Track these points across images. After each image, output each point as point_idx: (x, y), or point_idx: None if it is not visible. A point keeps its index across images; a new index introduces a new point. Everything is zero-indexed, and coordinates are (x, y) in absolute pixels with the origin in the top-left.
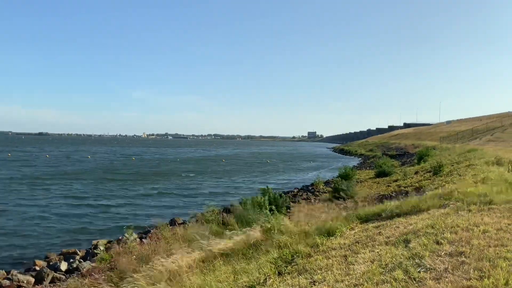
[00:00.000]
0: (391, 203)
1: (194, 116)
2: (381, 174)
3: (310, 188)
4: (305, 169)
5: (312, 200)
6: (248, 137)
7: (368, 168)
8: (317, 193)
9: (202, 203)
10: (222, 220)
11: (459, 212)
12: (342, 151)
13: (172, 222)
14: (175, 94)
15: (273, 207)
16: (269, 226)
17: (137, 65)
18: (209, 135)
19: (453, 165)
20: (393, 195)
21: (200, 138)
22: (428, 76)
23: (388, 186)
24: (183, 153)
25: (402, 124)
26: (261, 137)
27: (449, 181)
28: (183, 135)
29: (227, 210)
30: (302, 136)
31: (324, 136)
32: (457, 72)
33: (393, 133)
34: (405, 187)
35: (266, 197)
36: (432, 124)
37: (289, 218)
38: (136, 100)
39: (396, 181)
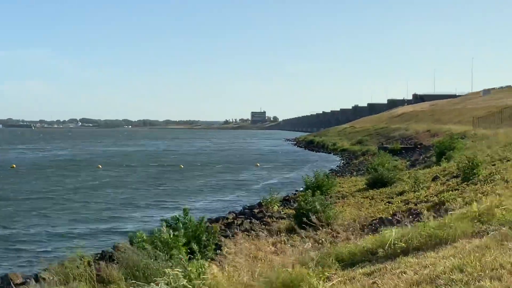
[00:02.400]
0: (392, 231)
1: (42, 88)
2: (377, 183)
3: (256, 211)
4: (246, 180)
5: (260, 232)
6: (147, 123)
7: (355, 173)
8: (269, 219)
9: (65, 244)
10: (98, 275)
11: (505, 243)
12: (312, 145)
13: (4, 282)
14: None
15: (194, 246)
16: (183, 283)
17: None
18: (72, 120)
19: (494, 164)
20: (396, 218)
21: (56, 127)
22: (453, 17)
23: (389, 203)
24: None
25: (410, 97)
26: (167, 122)
27: (488, 192)
28: (22, 121)
29: (107, 256)
30: (242, 120)
31: (280, 120)
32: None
33: (395, 112)
34: (416, 204)
35: (182, 230)
36: (459, 96)
37: (219, 265)
38: None
39: (401, 194)
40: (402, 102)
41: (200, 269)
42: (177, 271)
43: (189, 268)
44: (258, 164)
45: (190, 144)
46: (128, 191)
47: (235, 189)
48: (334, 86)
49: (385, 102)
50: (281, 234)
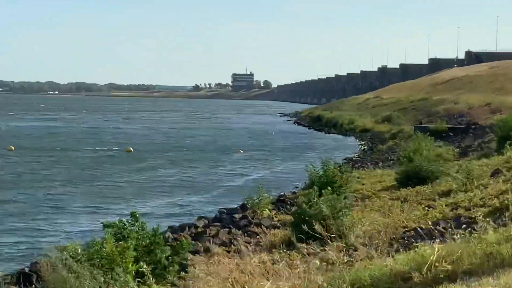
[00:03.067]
0: (434, 247)
1: None
2: (412, 178)
3: (238, 217)
4: (224, 173)
5: (244, 246)
6: (82, 88)
7: (380, 164)
8: (256, 229)
9: None
10: None
11: None
12: (319, 123)
13: None
14: None
15: (144, 267)
16: None
17: None
18: None
19: None
20: (440, 229)
21: None
22: None
23: (429, 207)
24: None
25: (462, 56)
26: (111, 87)
27: None
28: None
29: (22, 278)
30: (219, 85)
31: (274, 86)
32: None
33: (440, 77)
34: (468, 209)
35: (133, 241)
36: None
37: None
38: None
39: (447, 194)
40: (450, 63)
41: None
42: None
43: None
44: (242, 151)
45: (144, 119)
46: (54, 188)
47: (208, 185)
48: (352, 37)
49: (426, 62)
50: (274, 250)
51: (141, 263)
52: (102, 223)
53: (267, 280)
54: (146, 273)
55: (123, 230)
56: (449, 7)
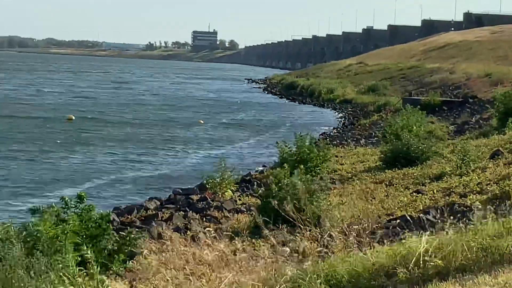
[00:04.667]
0: (422, 239)
1: None
2: (399, 158)
3: (195, 198)
4: (180, 146)
5: (201, 232)
6: (14, 42)
7: (363, 140)
8: (217, 213)
9: None
10: None
11: None
12: (292, 91)
13: None
14: None
15: (88, 252)
16: None
17: None
18: None
19: None
20: (430, 218)
21: None
22: None
23: (418, 192)
24: None
25: (459, 18)
26: (49, 42)
27: None
28: None
29: None
30: (176, 44)
31: (241, 48)
32: None
33: (434, 42)
34: (463, 196)
35: (75, 222)
36: None
37: (131, 283)
38: None
39: (439, 178)
40: (446, 26)
41: None
42: None
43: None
44: (202, 121)
45: (88, 80)
46: None
47: (161, 160)
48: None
49: (418, 24)
50: (237, 238)
51: (84, 248)
52: (30, 208)
53: (229, 270)
54: (89, 260)
55: (66, 208)
56: None
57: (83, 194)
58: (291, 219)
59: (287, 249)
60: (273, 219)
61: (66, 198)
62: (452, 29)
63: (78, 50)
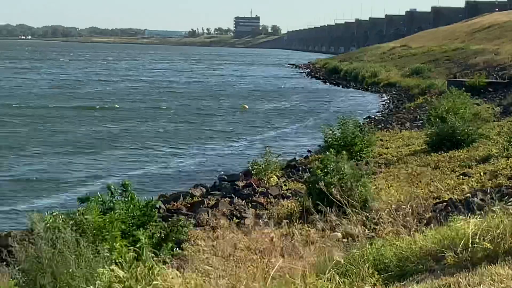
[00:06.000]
0: (470, 222)
1: None
2: (445, 141)
3: (240, 185)
4: (224, 132)
5: (248, 218)
6: (58, 32)
7: (408, 124)
8: (263, 199)
9: None
10: None
11: None
12: (335, 76)
13: None
14: None
15: (140, 235)
16: None
17: None
18: None
19: None
20: (477, 200)
21: None
22: None
23: (465, 175)
24: None
25: None
26: (93, 32)
27: None
28: None
29: None
30: (219, 30)
31: (284, 33)
32: None
33: (479, 23)
34: (510, 178)
35: (122, 211)
36: None
37: (179, 271)
38: None
39: (486, 160)
40: (490, 6)
41: (148, 275)
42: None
43: (130, 272)
44: (246, 106)
45: (133, 68)
46: (26, 149)
47: (206, 146)
48: None
49: (462, 5)
50: (284, 222)
51: (137, 232)
52: (78, 197)
53: (278, 258)
54: (141, 245)
55: (111, 197)
56: None
57: (127, 182)
58: (338, 202)
59: (339, 234)
60: (320, 203)
61: (111, 186)
62: (497, 9)
63: (121, 38)
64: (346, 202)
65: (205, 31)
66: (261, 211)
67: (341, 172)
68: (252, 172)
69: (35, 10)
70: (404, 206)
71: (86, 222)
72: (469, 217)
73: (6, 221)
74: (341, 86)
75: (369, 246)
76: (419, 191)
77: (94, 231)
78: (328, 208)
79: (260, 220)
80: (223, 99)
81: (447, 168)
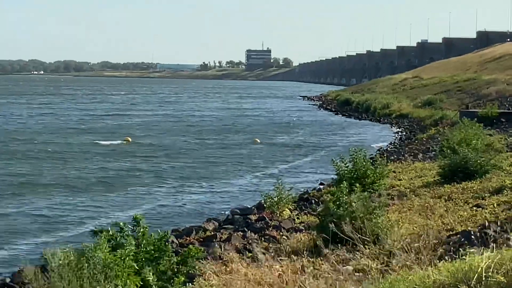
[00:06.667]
0: (483, 255)
1: None
2: (458, 172)
3: (253, 218)
4: (237, 165)
5: (260, 252)
6: (70, 66)
7: (420, 155)
8: (275, 232)
9: None
10: None
11: None
12: (347, 107)
13: None
14: None
15: (149, 274)
16: None
17: None
18: None
19: None
20: (490, 232)
21: None
22: None
23: (478, 207)
24: None
25: None
26: (105, 66)
27: None
28: None
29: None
30: (230, 63)
31: (295, 65)
32: None
33: (490, 54)
34: None
35: (132, 247)
36: None
37: None
38: None
39: (499, 192)
40: (501, 37)
41: None
42: None
43: None
44: (258, 140)
45: (144, 102)
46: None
47: (218, 180)
48: (386, 7)
49: (473, 36)
50: (297, 257)
51: (146, 270)
52: (92, 230)
53: None
54: (151, 284)
55: (118, 237)
56: None
57: (139, 216)
58: (351, 238)
59: (350, 267)
60: (332, 237)
61: (121, 223)
62: (508, 40)
63: (133, 72)
64: (358, 238)
65: (217, 64)
66: (274, 245)
67: (353, 206)
68: (265, 205)
69: (47, 45)
70: (417, 239)
71: (97, 258)
72: (483, 249)
73: (18, 257)
74: (353, 118)
75: (382, 280)
76: (432, 223)
77: (105, 269)
78: (339, 242)
79: (273, 254)
80: (236, 131)
81: (460, 200)
